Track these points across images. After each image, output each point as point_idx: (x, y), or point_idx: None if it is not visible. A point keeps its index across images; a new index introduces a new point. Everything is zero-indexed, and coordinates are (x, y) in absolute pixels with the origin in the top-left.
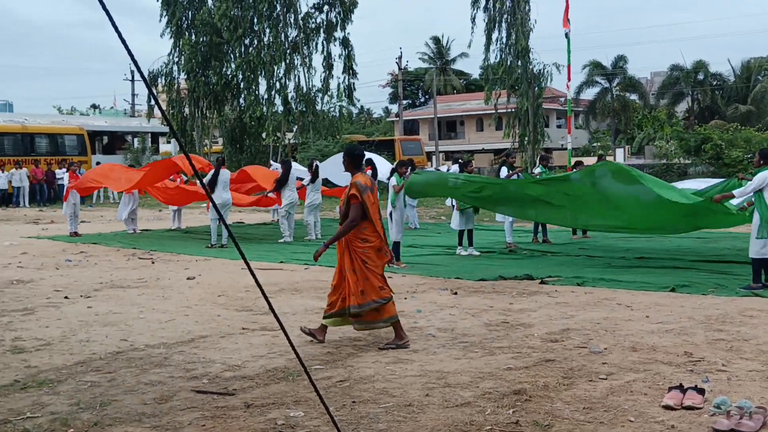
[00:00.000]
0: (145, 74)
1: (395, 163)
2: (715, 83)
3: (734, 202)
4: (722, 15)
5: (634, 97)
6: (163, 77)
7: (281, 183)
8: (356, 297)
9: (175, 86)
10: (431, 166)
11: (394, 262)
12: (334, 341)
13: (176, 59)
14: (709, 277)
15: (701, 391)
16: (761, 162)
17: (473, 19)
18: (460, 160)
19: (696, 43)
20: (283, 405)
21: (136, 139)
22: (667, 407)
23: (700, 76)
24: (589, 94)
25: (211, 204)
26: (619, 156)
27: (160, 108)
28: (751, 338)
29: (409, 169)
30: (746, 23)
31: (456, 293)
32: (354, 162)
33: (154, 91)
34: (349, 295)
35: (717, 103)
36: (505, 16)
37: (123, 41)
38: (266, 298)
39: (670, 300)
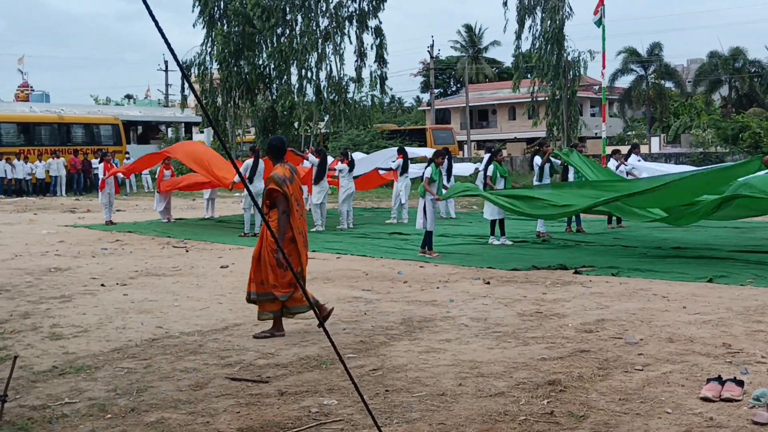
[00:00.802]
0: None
1: (435, 153)
2: (753, 70)
3: None
4: (760, 1)
5: (670, 84)
6: (196, 67)
7: (321, 173)
8: (256, 285)
9: (209, 76)
10: (463, 154)
11: (426, 252)
12: (367, 330)
13: (209, 49)
14: (747, 267)
15: (740, 383)
16: None
17: (505, 3)
18: (492, 149)
19: (733, 29)
20: (316, 393)
21: (170, 129)
22: (705, 399)
23: (738, 64)
24: (624, 81)
25: (246, 193)
26: (654, 144)
27: (196, 96)
28: None
29: (445, 159)
30: None
31: (488, 283)
32: (274, 153)
33: (192, 78)
34: (252, 281)
35: (755, 90)
36: (540, 2)
37: (160, 29)
38: (303, 287)
39: (708, 291)
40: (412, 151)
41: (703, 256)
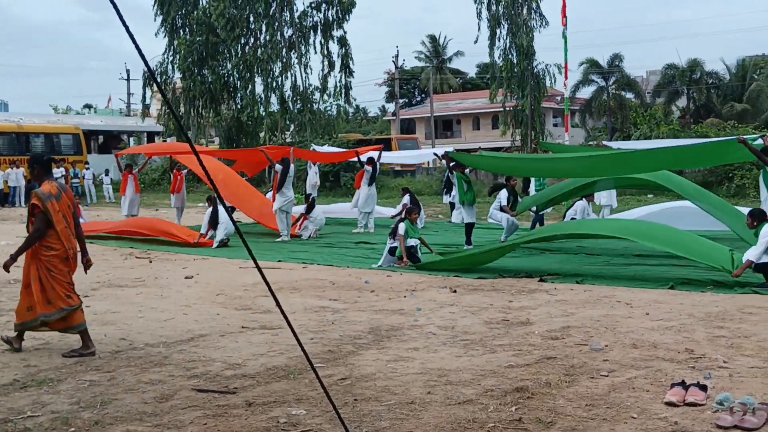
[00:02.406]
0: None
1: (404, 209)
2: (710, 81)
3: (750, 256)
4: (718, 13)
5: (630, 95)
6: (158, 76)
7: (282, 182)
8: (43, 306)
9: (171, 85)
10: (428, 164)
11: (399, 263)
12: (335, 340)
13: (170, 58)
14: (708, 274)
15: (704, 388)
16: (755, 223)
17: (479, 14)
18: (447, 154)
19: (692, 41)
20: (284, 403)
21: (131, 139)
22: (670, 404)
23: (696, 75)
24: (586, 92)
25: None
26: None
27: (169, 105)
28: (751, 335)
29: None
30: (742, 21)
31: (455, 291)
32: (41, 169)
33: (156, 86)
34: (36, 304)
35: (713, 101)
36: (509, 15)
37: (131, 36)
38: (274, 295)
39: (670, 297)
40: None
41: (664, 264)
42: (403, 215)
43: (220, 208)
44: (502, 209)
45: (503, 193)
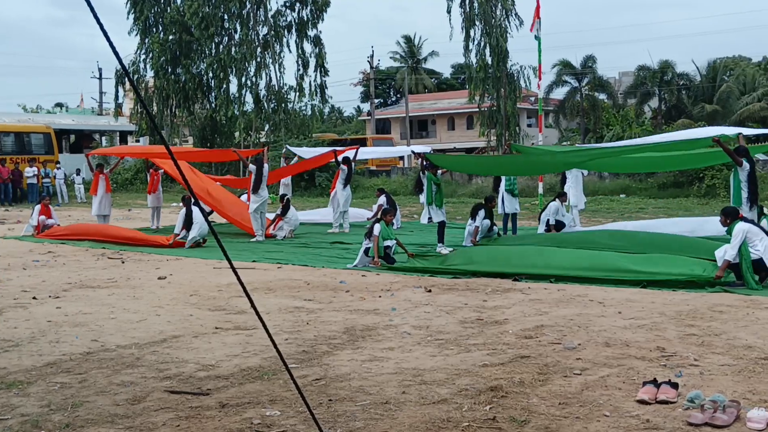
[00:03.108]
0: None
1: (380, 210)
2: (681, 83)
3: (727, 256)
4: (689, 15)
5: (603, 96)
6: (131, 75)
7: (258, 183)
8: None
9: (143, 84)
10: (403, 164)
11: (372, 262)
12: (310, 340)
13: (143, 57)
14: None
15: (675, 386)
16: (728, 220)
17: (449, 10)
18: (424, 153)
19: (664, 43)
20: (258, 404)
21: (104, 138)
22: (642, 402)
23: (667, 76)
24: (559, 93)
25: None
26: None
27: (143, 103)
28: (721, 333)
29: (395, 214)
30: (712, 23)
31: (430, 291)
32: None
33: (128, 86)
34: None
35: (684, 102)
36: (481, 15)
37: (107, 36)
38: (248, 295)
39: (641, 296)
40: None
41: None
42: (378, 216)
43: (195, 209)
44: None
45: (481, 213)
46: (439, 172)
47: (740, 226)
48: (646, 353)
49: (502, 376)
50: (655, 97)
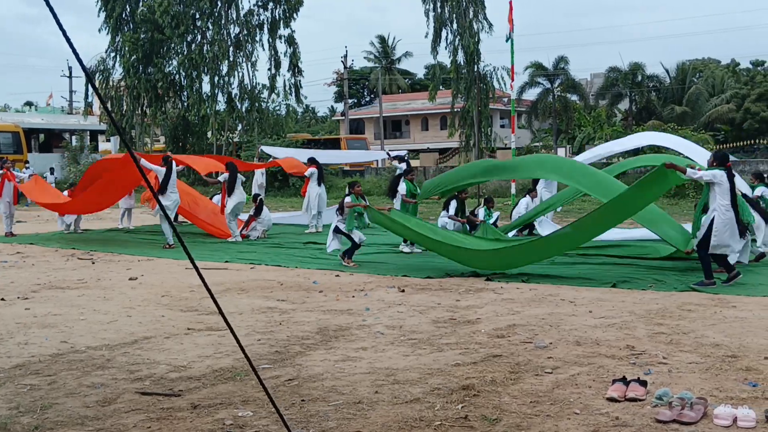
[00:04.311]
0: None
1: (348, 186)
2: (651, 85)
3: (691, 173)
4: (660, 18)
5: (574, 97)
6: (100, 73)
7: (231, 185)
8: None
9: (111, 83)
10: (377, 164)
11: (346, 261)
12: (283, 340)
13: (114, 55)
14: (648, 273)
15: (644, 383)
16: (714, 162)
17: (427, 14)
18: (405, 159)
19: (635, 45)
20: (231, 405)
21: (74, 137)
22: (611, 399)
23: (637, 78)
24: (531, 94)
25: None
26: (561, 155)
27: (102, 102)
28: (689, 331)
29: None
30: (681, 26)
31: (403, 291)
32: None
33: (96, 85)
34: None
35: (654, 104)
36: (453, 17)
37: (64, 33)
38: (213, 297)
39: (612, 295)
40: (332, 155)
41: (607, 263)
42: (347, 191)
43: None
44: (450, 217)
45: (453, 204)
46: (415, 180)
47: (719, 173)
48: (616, 351)
49: (474, 376)
50: (626, 99)
